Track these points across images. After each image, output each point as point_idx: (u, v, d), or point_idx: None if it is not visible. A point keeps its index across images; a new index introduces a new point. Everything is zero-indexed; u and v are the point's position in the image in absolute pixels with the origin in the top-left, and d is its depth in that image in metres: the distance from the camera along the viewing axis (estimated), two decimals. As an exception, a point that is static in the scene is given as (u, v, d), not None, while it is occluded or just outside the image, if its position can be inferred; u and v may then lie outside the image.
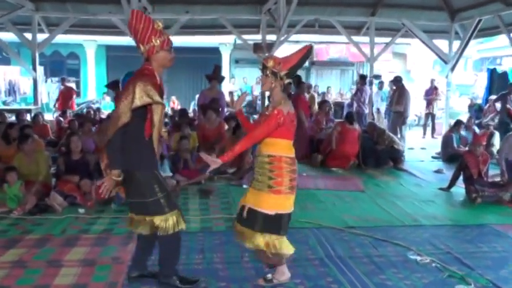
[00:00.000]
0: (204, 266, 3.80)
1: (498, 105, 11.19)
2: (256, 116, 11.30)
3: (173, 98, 16.95)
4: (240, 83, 18.68)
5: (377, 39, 12.94)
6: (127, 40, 12.67)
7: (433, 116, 13.75)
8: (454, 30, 12.57)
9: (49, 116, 13.29)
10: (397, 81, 10.82)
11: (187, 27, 12.46)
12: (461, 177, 6.64)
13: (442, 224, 5.15)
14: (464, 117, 12.33)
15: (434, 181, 7.46)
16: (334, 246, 4.30)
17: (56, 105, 13.54)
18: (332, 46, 19.47)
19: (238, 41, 15.10)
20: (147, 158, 3.12)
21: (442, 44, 12.91)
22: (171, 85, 18.77)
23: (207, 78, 8.92)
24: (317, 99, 15.49)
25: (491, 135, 9.69)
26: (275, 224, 3.23)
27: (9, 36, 12.32)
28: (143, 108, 3.00)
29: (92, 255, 4.00)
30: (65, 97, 12.74)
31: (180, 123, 8.50)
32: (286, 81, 3.25)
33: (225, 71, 18.62)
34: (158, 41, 3.07)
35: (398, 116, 10.47)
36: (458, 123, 9.73)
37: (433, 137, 13.37)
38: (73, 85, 17.99)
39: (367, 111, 12.20)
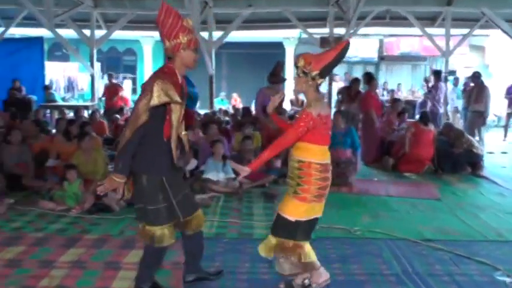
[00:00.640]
0: (269, 276, 3.73)
1: None
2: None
3: (234, 95, 17.01)
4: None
5: (453, 31, 12.47)
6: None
7: (515, 116, 13.01)
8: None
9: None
10: (475, 77, 10.35)
11: (249, 21, 12.55)
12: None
13: (533, 240, 4.81)
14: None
15: (519, 190, 7.03)
16: (411, 261, 4.11)
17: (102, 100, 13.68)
18: (403, 39, 18.97)
19: (304, 35, 15.02)
20: (160, 161, 3.11)
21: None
22: (232, 82, 18.94)
23: (268, 80, 8.69)
24: (386, 97, 15.18)
25: None
26: (292, 230, 3.21)
27: (68, 33, 12.90)
28: (162, 108, 3.00)
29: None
30: (111, 94, 12.82)
31: (243, 122, 8.53)
32: (319, 81, 3.17)
33: (288, 67, 18.51)
34: (186, 38, 3.08)
35: (477, 116, 9.99)
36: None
37: (515, 139, 12.65)
38: (128, 82, 18.67)
39: (442, 110, 11.72)
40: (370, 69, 17.53)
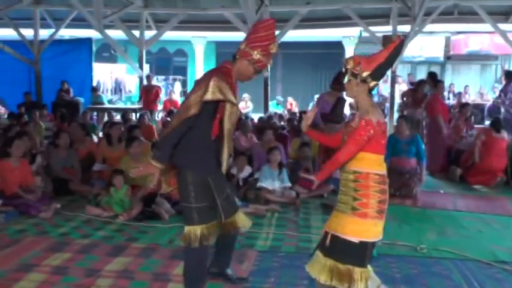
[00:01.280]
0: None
1: None
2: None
3: (290, 99, 16.96)
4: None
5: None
6: (240, 35, 13.00)
7: None
8: None
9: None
10: None
11: (307, 19, 12.50)
12: None
13: None
14: None
15: None
16: (483, 285, 3.93)
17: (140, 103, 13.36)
18: (472, 36, 18.42)
19: (364, 34, 14.81)
20: (206, 159, 3.20)
21: None
22: (287, 84, 18.86)
23: (331, 87, 8.55)
24: (452, 100, 14.70)
25: None
26: (359, 254, 3.02)
27: (117, 34, 13.29)
28: (214, 105, 3.10)
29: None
30: (149, 96, 12.61)
31: (300, 127, 8.45)
32: (372, 84, 3.05)
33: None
34: (259, 56, 3.20)
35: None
36: None
37: None
38: (179, 84, 18.95)
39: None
40: (435, 69, 17.01)
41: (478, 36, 18.36)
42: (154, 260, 4.32)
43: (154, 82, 14.97)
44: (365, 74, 3.02)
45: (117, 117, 12.66)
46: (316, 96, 16.11)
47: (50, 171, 6.83)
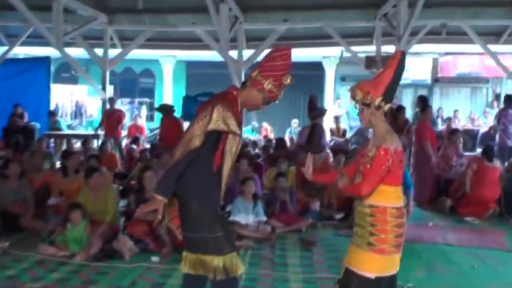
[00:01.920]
0: None
1: None
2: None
3: (265, 124, 16.96)
4: (347, 104, 18.42)
5: (521, 48, 12.33)
6: (211, 55, 13.11)
7: None
8: None
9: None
10: None
11: (284, 38, 12.62)
12: None
13: None
14: None
15: None
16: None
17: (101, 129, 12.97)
18: (461, 58, 18.78)
19: (346, 54, 15.07)
20: (211, 191, 3.26)
21: None
22: (264, 109, 18.90)
23: (309, 118, 8.60)
24: (440, 126, 14.94)
25: None
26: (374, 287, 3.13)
27: (78, 52, 13.26)
28: (216, 135, 3.16)
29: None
30: (111, 121, 12.24)
31: (276, 156, 8.49)
32: (386, 107, 3.14)
33: (328, 91, 18.47)
34: (270, 87, 3.23)
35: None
36: None
37: None
38: (145, 108, 18.87)
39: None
40: (422, 92, 17.27)
41: (467, 58, 18.71)
42: (114, 305, 4.24)
43: (118, 105, 14.88)
44: (378, 100, 3.10)
45: (77, 144, 12.52)
46: (294, 121, 16.26)
47: (-2, 204, 6.68)
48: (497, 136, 11.46)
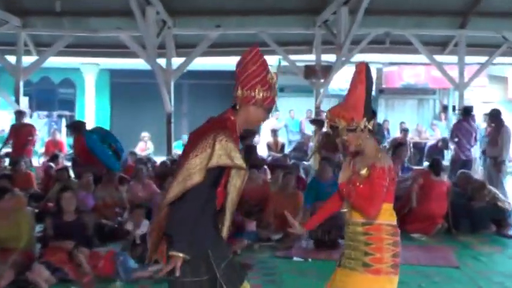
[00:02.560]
0: None
1: None
2: (307, 163, 11.11)
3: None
4: (285, 117, 18.66)
5: (468, 59, 12.85)
6: (138, 63, 13.01)
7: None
8: None
9: (34, 161, 13.51)
10: (493, 116, 10.52)
11: (217, 45, 12.74)
12: None
13: None
14: None
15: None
16: None
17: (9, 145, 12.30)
18: (407, 68, 19.36)
19: (284, 63, 15.25)
20: (206, 231, 3.09)
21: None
22: (195, 120, 18.84)
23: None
24: (387, 138, 15.31)
25: None
26: None
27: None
28: (218, 170, 3.02)
29: None
30: (20, 138, 11.60)
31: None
32: (371, 125, 3.22)
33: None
34: (262, 94, 3.15)
35: (492, 162, 10.17)
36: None
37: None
38: (65, 121, 18.44)
39: (473, 155, 11.37)
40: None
41: (413, 68, 19.24)
42: None
43: (34, 119, 14.48)
44: (362, 123, 3.17)
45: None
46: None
47: None
48: (451, 149, 11.78)
